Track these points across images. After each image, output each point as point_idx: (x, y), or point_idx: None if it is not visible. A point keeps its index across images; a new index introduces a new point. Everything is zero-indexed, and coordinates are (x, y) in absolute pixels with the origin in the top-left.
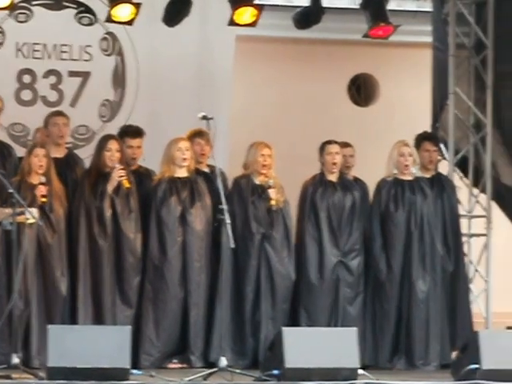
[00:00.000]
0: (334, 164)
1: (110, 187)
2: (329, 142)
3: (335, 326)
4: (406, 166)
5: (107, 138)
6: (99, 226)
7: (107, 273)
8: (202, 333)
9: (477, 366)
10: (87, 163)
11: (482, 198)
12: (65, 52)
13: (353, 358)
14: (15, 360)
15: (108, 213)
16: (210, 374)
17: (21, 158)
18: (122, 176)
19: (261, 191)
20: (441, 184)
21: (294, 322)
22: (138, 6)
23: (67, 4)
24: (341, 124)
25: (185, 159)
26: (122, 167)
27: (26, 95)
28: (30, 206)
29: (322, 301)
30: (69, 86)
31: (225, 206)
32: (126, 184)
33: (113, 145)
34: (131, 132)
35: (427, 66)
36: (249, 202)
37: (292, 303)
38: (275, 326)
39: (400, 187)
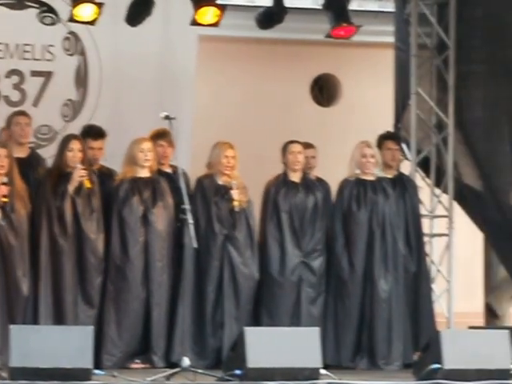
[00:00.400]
0: (297, 163)
1: (71, 187)
2: (291, 142)
3: (297, 326)
4: (368, 166)
5: (69, 137)
6: (60, 227)
7: (69, 273)
8: (164, 333)
9: (438, 365)
10: (50, 163)
11: (444, 198)
12: (27, 52)
13: (315, 358)
14: None
15: (69, 213)
16: (173, 374)
17: None
18: (83, 176)
19: (224, 192)
20: (403, 184)
21: (256, 322)
22: (100, 5)
23: (29, 3)
24: (303, 124)
25: (147, 160)
26: (83, 167)
27: None
28: None
29: (284, 301)
30: (31, 86)
31: (187, 206)
32: (87, 184)
33: (75, 145)
34: (93, 133)
35: (389, 67)
36: (212, 203)
37: (254, 303)
38: (239, 326)
39: (362, 187)
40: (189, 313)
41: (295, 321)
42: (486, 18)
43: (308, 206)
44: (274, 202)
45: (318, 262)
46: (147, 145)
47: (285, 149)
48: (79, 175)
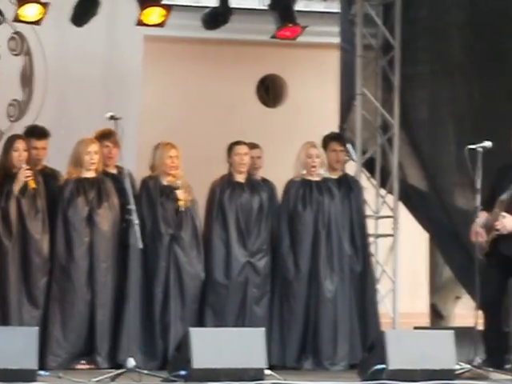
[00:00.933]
0: (243, 165)
1: (16, 187)
2: (237, 143)
3: (242, 326)
4: (314, 166)
5: (14, 137)
6: (5, 227)
7: (13, 273)
8: (109, 334)
9: (383, 366)
10: None
11: (389, 198)
12: None
13: (260, 358)
14: None
15: (14, 213)
16: (118, 374)
17: None
18: (28, 176)
19: (169, 192)
20: (348, 184)
21: (202, 322)
22: (45, 5)
23: None
24: (249, 125)
25: (93, 163)
26: (28, 167)
27: None
28: None
29: (229, 301)
30: None
31: (133, 207)
32: (32, 184)
33: (20, 144)
34: (37, 133)
35: (335, 67)
36: (157, 203)
37: (200, 303)
38: (185, 326)
39: (308, 188)
40: (136, 314)
41: (240, 321)
42: (430, 18)
43: (253, 206)
44: (220, 202)
45: (263, 262)
46: (94, 147)
47: (230, 150)
48: (24, 175)
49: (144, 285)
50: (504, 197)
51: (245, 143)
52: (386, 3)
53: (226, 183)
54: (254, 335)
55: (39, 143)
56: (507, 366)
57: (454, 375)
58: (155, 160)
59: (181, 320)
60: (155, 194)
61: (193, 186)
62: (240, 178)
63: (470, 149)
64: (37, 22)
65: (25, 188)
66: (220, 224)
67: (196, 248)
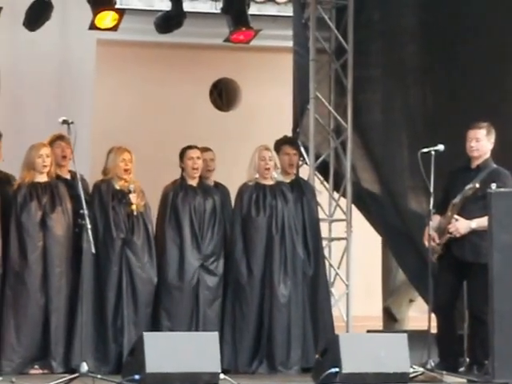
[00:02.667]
0: (195, 169)
1: None
2: (189, 148)
3: (196, 329)
4: (267, 169)
5: None
6: None
7: None
8: (63, 338)
9: (337, 369)
10: None
11: (343, 201)
12: None
13: (214, 362)
14: None
15: None
16: (71, 379)
17: None
18: None
19: (121, 196)
20: (300, 188)
21: (156, 325)
22: None
23: None
24: (203, 128)
25: (45, 166)
26: None
27: None
28: None
29: (183, 304)
30: None
31: (85, 211)
32: None
33: None
34: None
35: (288, 71)
36: (109, 207)
37: (154, 307)
38: (138, 330)
39: (261, 192)
40: (89, 318)
41: (194, 324)
42: (383, 22)
43: (207, 209)
44: (173, 206)
45: (215, 266)
46: (45, 150)
47: (183, 154)
48: None
49: (97, 289)
50: (457, 200)
51: (197, 147)
52: (339, 7)
53: (179, 187)
54: (208, 339)
55: None
56: (461, 369)
57: (408, 378)
58: (108, 163)
59: (134, 324)
60: (107, 197)
61: (145, 189)
62: (193, 181)
63: (423, 152)
64: None
65: None
66: (173, 227)
67: (148, 252)
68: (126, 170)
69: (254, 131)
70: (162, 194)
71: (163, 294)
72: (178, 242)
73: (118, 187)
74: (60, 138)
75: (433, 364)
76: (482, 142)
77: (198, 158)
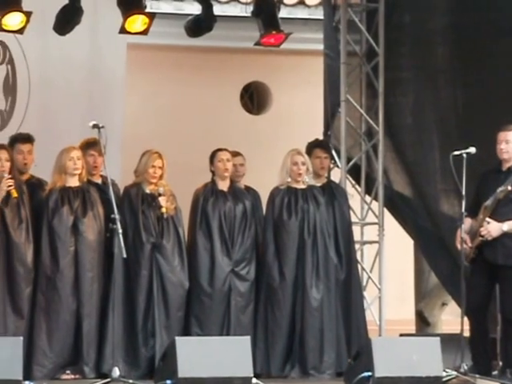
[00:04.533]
0: (225, 170)
1: None
2: (219, 150)
3: (227, 335)
4: (300, 174)
5: None
6: None
7: None
8: (95, 343)
9: (369, 373)
10: None
11: (375, 205)
12: None
13: (246, 367)
14: None
15: None
16: None
17: None
18: (10, 186)
19: (151, 200)
20: (332, 192)
21: (187, 330)
22: (28, 14)
23: None
24: (234, 132)
25: (76, 168)
26: (10, 177)
27: None
28: None
29: (214, 310)
30: None
31: (117, 216)
32: (14, 194)
33: (2, 154)
34: (21, 138)
35: (319, 74)
36: (139, 211)
37: (185, 312)
38: (170, 335)
39: (293, 195)
40: (120, 323)
41: (225, 331)
42: (414, 24)
43: (237, 214)
44: (203, 211)
45: (247, 271)
46: (76, 153)
47: (213, 157)
48: (6, 185)
49: (127, 293)
50: (488, 202)
51: (227, 150)
52: (370, 9)
53: (209, 191)
54: (240, 343)
55: (24, 147)
56: (494, 373)
57: (441, 382)
58: (140, 166)
59: (166, 329)
60: (137, 201)
61: (176, 193)
62: (223, 186)
63: (455, 155)
64: (19, 31)
65: (7, 198)
66: (204, 233)
67: (179, 256)
68: (154, 176)
69: (284, 135)
70: (192, 198)
71: (194, 301)
72: (208, 247)
73: (147, 191)
74: (92, 144)
75: (466, 367)
76: (511, 144)
77: (228, 160)
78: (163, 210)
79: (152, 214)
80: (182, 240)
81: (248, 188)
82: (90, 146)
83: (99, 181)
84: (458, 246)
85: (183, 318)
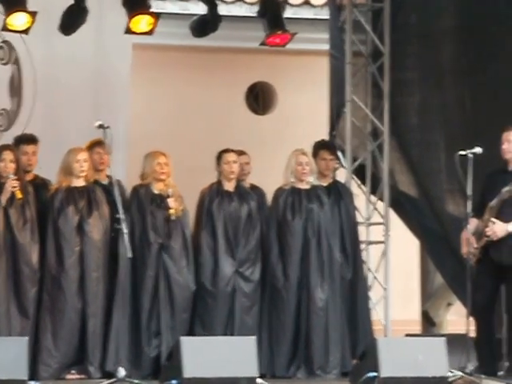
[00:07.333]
0: (232, 172)
1: (4, 198)
2: (226, 151)
3: (231, 335)
4: (304, 174)
5: (1, 148)
6: None
7: (2, 284)
8: (100, 343)
9: (375, 373)
10: None
11: (380, 205)
12: None
13: (251, 367)
14: None
15: (1, 224)
16: None
17: None
18: (15, 187)
19: (159, 200)
20: (338, 191)
21: (190, 333)
22: (33, 14)
23: None
24: (239, 132)
25: (83, 171)
26: (15, 178)
27: None
28: None
29: (217, 311)
30: None
31: (122, 216)
32: (19, 195)
33: (7, 155)
34: (25, 139)
35: (324, 74)
36: (147, 212)
37: (190, 313)
38: (175, 335)
39: (297, 196)
40: (124, 323)
41: (229, 331)
42: (419, 24)
43: (242, 215)
44: (209, 212)
45: (251, 271)
46: (83, 155)
47: (219, 158)
48: (11, 185)
49: (132, 293)
50: (494, 203)
51: (234, 151)
52: (375, 10)
53: (215, 192)
54: (246, 343)
55: (28, 148)
56: (499, 373)
57: (447, 382)
58: (145, 168)
59: (171, 329)
60: (146, 202)
61: (182, 194)
62: (229, 186)
63: (461, 155)
64: (25, 31)
65: (12, 198)
66: (208, 233)
67: (186, 258)
68: (162, 173)
69: (290, 134)
70: (198, 199)
71: (197, 301)
72: (212, 247)
73: (156, 191)
74: (98, 144)
75: (471, 368)
76: None
77: (235, 161)
78: (172, 211)
79: (160, 214)
80: (188, 242)
81: (253, 186)
82: (96, 144)
83: (106, 181)
84: (464, 249)
85: (188, 319)
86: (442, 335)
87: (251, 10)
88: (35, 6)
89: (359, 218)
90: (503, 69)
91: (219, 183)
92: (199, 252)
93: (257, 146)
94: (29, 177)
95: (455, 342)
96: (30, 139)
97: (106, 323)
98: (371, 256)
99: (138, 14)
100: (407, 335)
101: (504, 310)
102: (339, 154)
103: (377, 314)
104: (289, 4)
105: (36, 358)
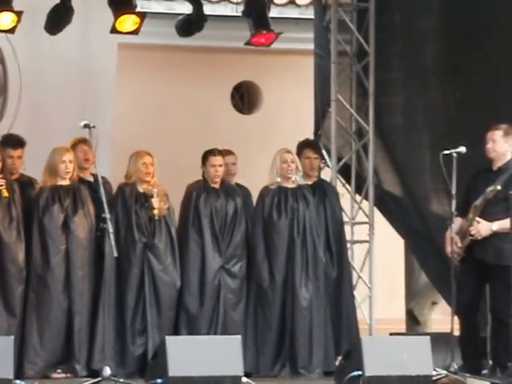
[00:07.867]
0: (217, 176)
1: None
2: (212, 154)
3: (215, 332)
4: (289, 172)
5: None
6: None
7: None
8: (86, 341)
9: (360, 372)
10: None
11: (365, 204)
12: None
13: (236, 366)
14: None
15: None
16: (94, 383)
17: None
18: (1, 186)
19: (144, 200)
20: (323, 190)
21: (176, 328)
22: (19, 14)
23: None
24: (224, 132)
25: (68, 172)
26: (0, 176)
27: None
28: None
29: (203, 307)
30: None
31: (107, 215)
32: (5, 193)
33: None
34: (12, 142)
35: (310, 74)
36: (132, 211)
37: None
38: (161, 334)
39: (283, 195)
40: (110, 321)
41: (213, 327)
42: (404, 24)
43: (228, 211)
44: (195, 207)
45: (237, 267)
46: (69, 156)
47: (205, 159)
48: None
49: (117, 292)
50: (478, 202)
51: (220, 152)
52: (360, 9)
53: (202, 188)
54: (231, 343)
55: (15, 152)
56: (484, 372)
57: (431, 381)
58: (130, 168)
59: (157, 327)
60: (130, 200)
61: (167, 192)
62: (215, 184)
63: (445, 154)
64: (10, 31)
65: None
66: (195, 229)
67: (171, 256)
68: (147, 173)
69: (275, 134)
70: (184, 193)
71: (183, 296)
72: (199, 243)
73: (141, 190)
74: (82, 141)
75: (456, 366)
76: (498, 144)
77: (221, 165)
78: (155, 211)
79: (144, 214)
80: (174, 240)
81: (239, 185)
82: (80, 142)
83: (91, 179)
84: (448, 249)
85: (174, 317)
86: (427, 334)
87: (236, 10)
88: (21, 6)
89: (344, 218)
90: (487, 68)
91: (205, 180)
92: (186, 247)
93: (242, 145)
94: (14, 175)
95: (440, 340)
96: (16, 143)
97: (91, 321)
98: (356, 255)
99: (123, 14)
100: (392, 334)
101: (488, 309)
102: (324, 153)
103: (361, 313)
104: (274, 3)
105: (22, 356)
